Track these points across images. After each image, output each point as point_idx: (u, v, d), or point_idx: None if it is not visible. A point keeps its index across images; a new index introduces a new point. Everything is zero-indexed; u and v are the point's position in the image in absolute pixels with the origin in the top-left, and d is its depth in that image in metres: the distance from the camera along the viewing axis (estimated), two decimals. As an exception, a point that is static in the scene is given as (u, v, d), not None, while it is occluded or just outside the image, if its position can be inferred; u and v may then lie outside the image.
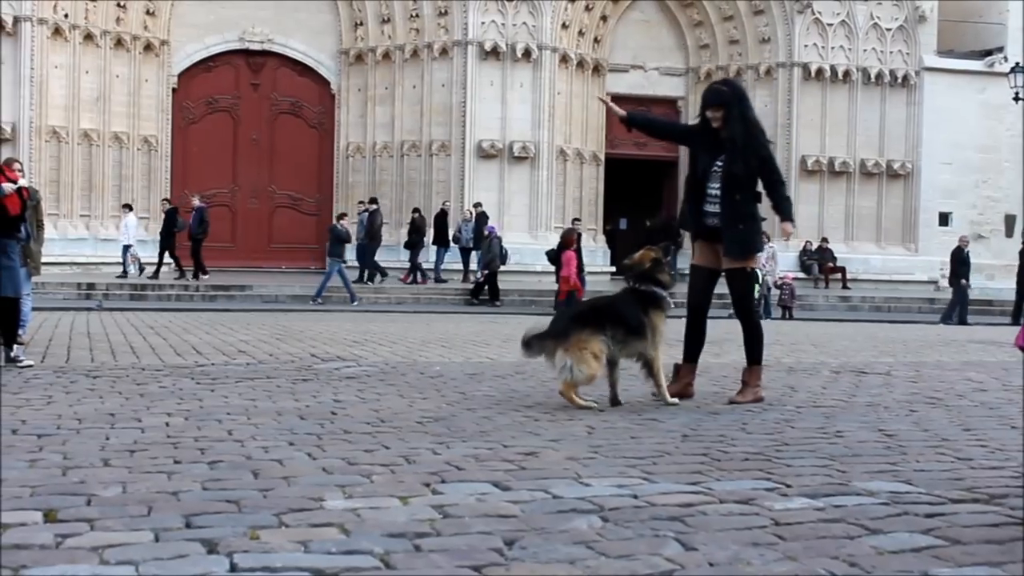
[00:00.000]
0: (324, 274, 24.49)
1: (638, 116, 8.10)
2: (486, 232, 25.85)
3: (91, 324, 14.62)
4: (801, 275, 31.22)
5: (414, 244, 27.93)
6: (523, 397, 7.18)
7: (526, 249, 29.30)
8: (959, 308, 24.20)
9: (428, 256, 28.59)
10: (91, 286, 24.08)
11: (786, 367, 10.10)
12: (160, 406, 6.40)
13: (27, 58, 27.77)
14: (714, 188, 7.17)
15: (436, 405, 6.60)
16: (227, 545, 3.23)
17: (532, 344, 6.64)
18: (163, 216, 27.19)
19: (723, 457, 4.93)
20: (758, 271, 23.90)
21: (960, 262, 24.88)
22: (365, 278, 26.65)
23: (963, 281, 24.56)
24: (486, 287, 24.96)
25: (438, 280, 27.65)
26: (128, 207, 27.76)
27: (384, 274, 27.03)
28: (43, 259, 12.05)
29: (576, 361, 6.45)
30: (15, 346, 9.07)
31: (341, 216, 26.10)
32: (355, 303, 22.89)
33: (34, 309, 12.54)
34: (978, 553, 3.32)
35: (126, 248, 26.88)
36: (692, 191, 7.35)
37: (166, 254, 26.36)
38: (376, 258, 27.22)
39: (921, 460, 4.97)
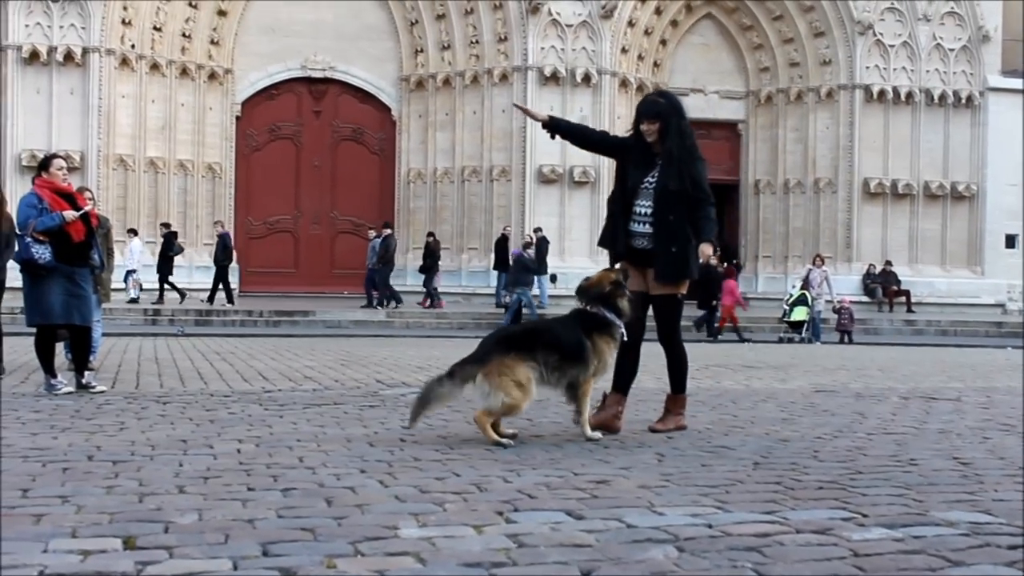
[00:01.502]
0: (510, 304, 24.82)
1: (561, 123, 7.24)
2: (513, 256, 25.81)
3: (158, 350, 14.79)
4: (864, 299, 30.92)
5: (428, 268, 28.04)
6: (590, 424, 7.14)
7: (588, 273, 29.19)
8: None
9: (490, 280, 28.68)
10: (156, 312, 24.41)
11: (854, 393, 9.98)
12: (230, 432, 6.45)
13: (95, 88, 28.25)
14: (643, 206, 6.73)
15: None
16: (305, 573, 3.25)
17: (455, 372, 6.13)
18: (161, 240, 27.20)
19: (796, 485, 4.88)
20: (807, 293, 23.91)
21: None
22: (375, 303, 26.76)
23: None
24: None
25: (499, 305, 27.68)
26: (133, 232, 27.87)
27: (399, 300, 27.11)
28: (111, 285, 12.25)
29: (494, 388, 5.94)
30: (86, 372, 9.19)
31: (527, 245, 26.48)
32: None
33: (104, 335, 12.74)
34: (1065, 586, 3.26)
35: (128, 273, 26.74)
36: (619, 209, 6.88)
37: (168, 278, 26.56)
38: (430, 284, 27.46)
39: (999, 489, 4.88)
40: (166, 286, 26.48)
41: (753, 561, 3.49)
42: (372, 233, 28.45)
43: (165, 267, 26.63)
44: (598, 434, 6.32)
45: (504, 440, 5.99)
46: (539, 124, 7.20)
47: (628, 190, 6.80)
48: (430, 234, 29.20)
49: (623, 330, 6.43)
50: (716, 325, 23.97)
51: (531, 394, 6.09)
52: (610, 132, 8.51)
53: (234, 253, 27.26)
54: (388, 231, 27.59)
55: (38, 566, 3.30)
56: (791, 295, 24.67)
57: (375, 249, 27.31)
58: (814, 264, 25.78)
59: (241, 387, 9.62)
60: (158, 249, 27.29)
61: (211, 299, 26.29)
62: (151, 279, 27.08)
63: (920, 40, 32.43)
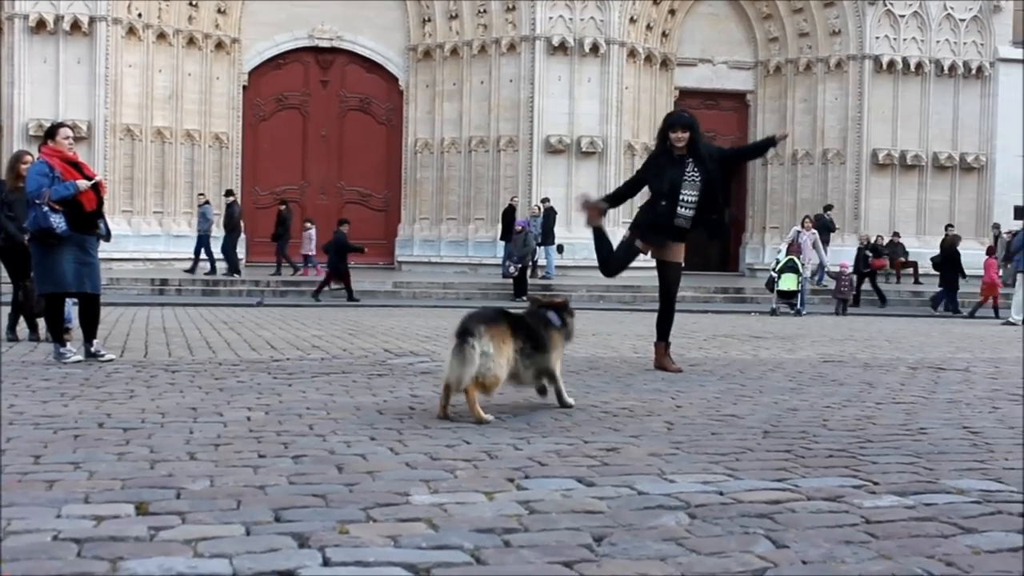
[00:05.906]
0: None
1: (611, 201, 9.25)
2: (517, 227, 25.66)
3: (166, 319, 14.81)
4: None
5: (279, 236, 28.01)
6: (599, 392, 7.17)
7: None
8: None
9: (496, 251, 28.60)
10: (164, 282, 24.42)
11: (862, 363, 9.97)
12: (240, 400, 6.46)
13: (102, 57, 28.18)
14: (689, 195, 8.43)
15: (513, 400, 6.59)
16: (318, 539, 3.26)
17: (469, 328, 5.78)
18: (225, 208, 27.01)
19: (807, 454, 4.88)
20: (796, 260, 22.69)
21: None
22: (222, 271, 26.15)
23: None
24: (517, 281, 24.85)
25: (505, 275, 27.66)
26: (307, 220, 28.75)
27: (237, 271, 26.29)
28: (118, 256, 12.23)
29: (496, 353, 5.75)
30: (94, 341, 9.21)
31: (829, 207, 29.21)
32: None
33: (112, 305, 12.74)
34: (1077, 553, 3.25)
35: (307, 259, 27.75)
36: (664, 199, 8.50)
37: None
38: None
39: (1009, 458, 4.88)
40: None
41: (765, 527, 3.49)
42: (202, 199, 27.93)
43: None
44: (573, 401, 6.43)
45: (489, 416, 5.77)
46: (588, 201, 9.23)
47: (669, 185, 8.44)
48: (282, 202, 29.16)
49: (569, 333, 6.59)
50: (978, 301, 23.72)
51: (505, 378, 5.93)
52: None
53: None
54: (231, 198, 27.10)
55: (52, 531, 3.32)
56: (778, 260, 22.64)
57: (205, 216, 26.80)
58: (802, 227, 24.20)
59: (249, 356, 9.63)
60: (221, 220, 27.33)
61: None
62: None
63: (931, 10, 32.25)
